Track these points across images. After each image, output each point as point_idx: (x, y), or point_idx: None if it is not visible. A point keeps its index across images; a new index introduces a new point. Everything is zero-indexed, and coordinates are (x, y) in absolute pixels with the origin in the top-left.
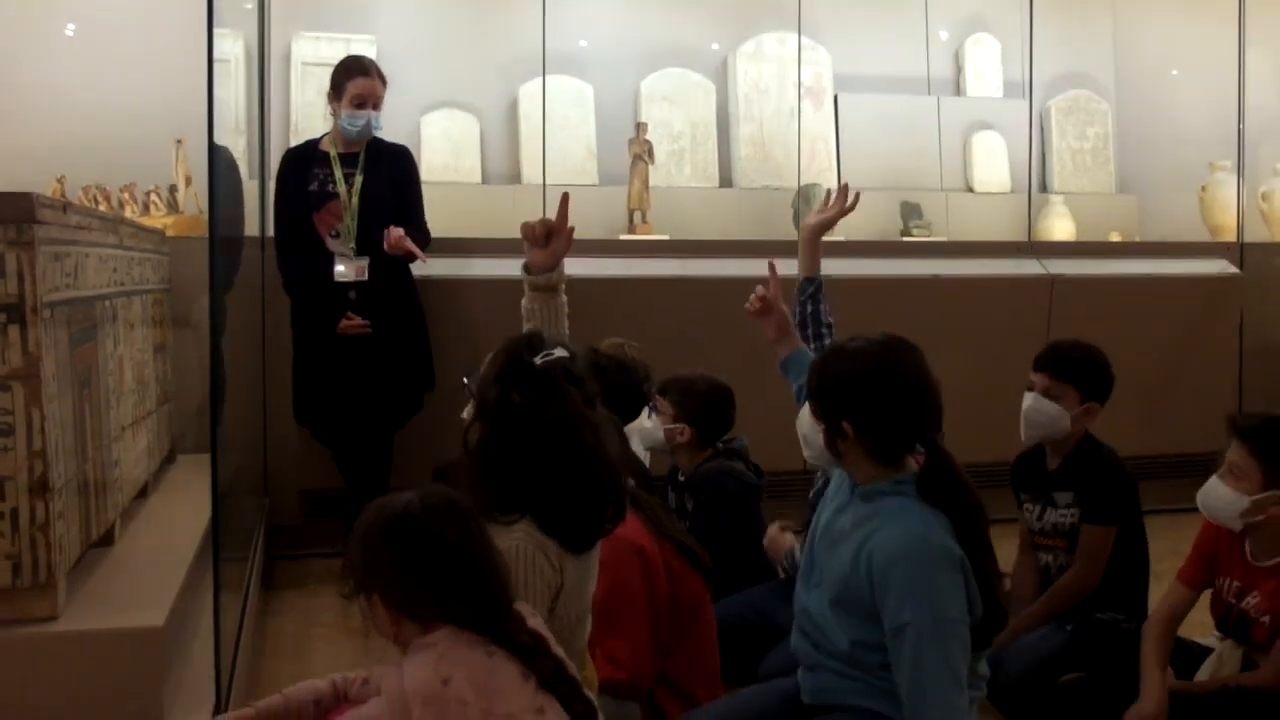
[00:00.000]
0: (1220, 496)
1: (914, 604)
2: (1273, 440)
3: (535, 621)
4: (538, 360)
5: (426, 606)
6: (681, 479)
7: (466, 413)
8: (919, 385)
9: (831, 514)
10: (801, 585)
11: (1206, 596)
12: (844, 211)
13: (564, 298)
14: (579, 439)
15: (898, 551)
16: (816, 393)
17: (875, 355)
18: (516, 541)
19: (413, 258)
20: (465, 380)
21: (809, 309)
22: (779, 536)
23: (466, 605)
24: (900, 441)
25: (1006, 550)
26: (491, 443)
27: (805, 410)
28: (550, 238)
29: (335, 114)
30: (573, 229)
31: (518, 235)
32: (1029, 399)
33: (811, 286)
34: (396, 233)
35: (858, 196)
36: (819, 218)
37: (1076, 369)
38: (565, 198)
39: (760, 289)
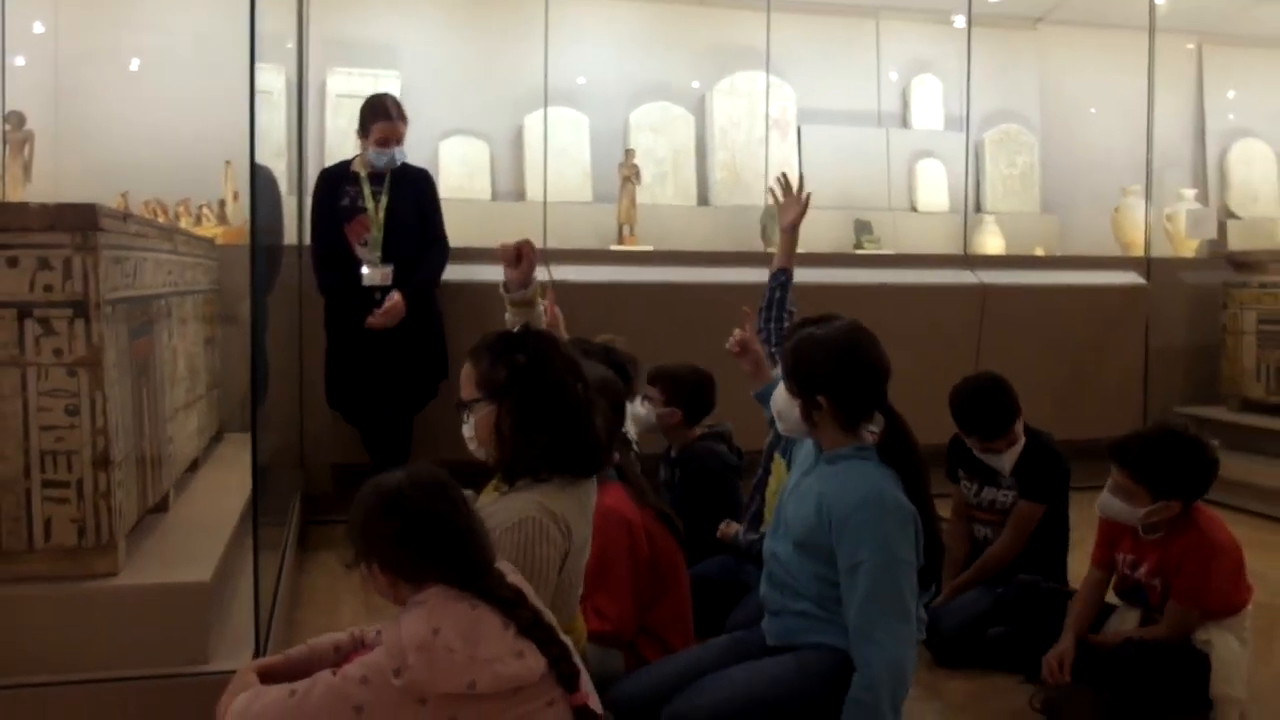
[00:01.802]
0: (1116, 509)
1: (869, 546)
2: (1148, 465)
3: (515, 578)
4: (516, 329)
5: (419, 569)
6: (672, 455)
7: (467, 430)
8: (879, 363)
9: (799, 476)
10: (770, 538)
11: None
12: (798, 199)
13: (540, 308)
14: (582, 375)
15: (857, 502)
16: (793, 373)
17: (844, 340)
18: (532, 514)
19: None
20: (459, 406)
21: (777, 295)
22: (726, 531)
23: (453, 568)
24: (864, 409)
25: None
26: (523, 408)
27: (780, 390)
28: (520, 259)
29: (364, 147)
30: (534, 252)
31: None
32: (996, 458)
33: (784, 276)
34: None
35: (798, 182)
36: (790, 217)
37: (986, 424)
38: (527, 241)
39: (738, 332)
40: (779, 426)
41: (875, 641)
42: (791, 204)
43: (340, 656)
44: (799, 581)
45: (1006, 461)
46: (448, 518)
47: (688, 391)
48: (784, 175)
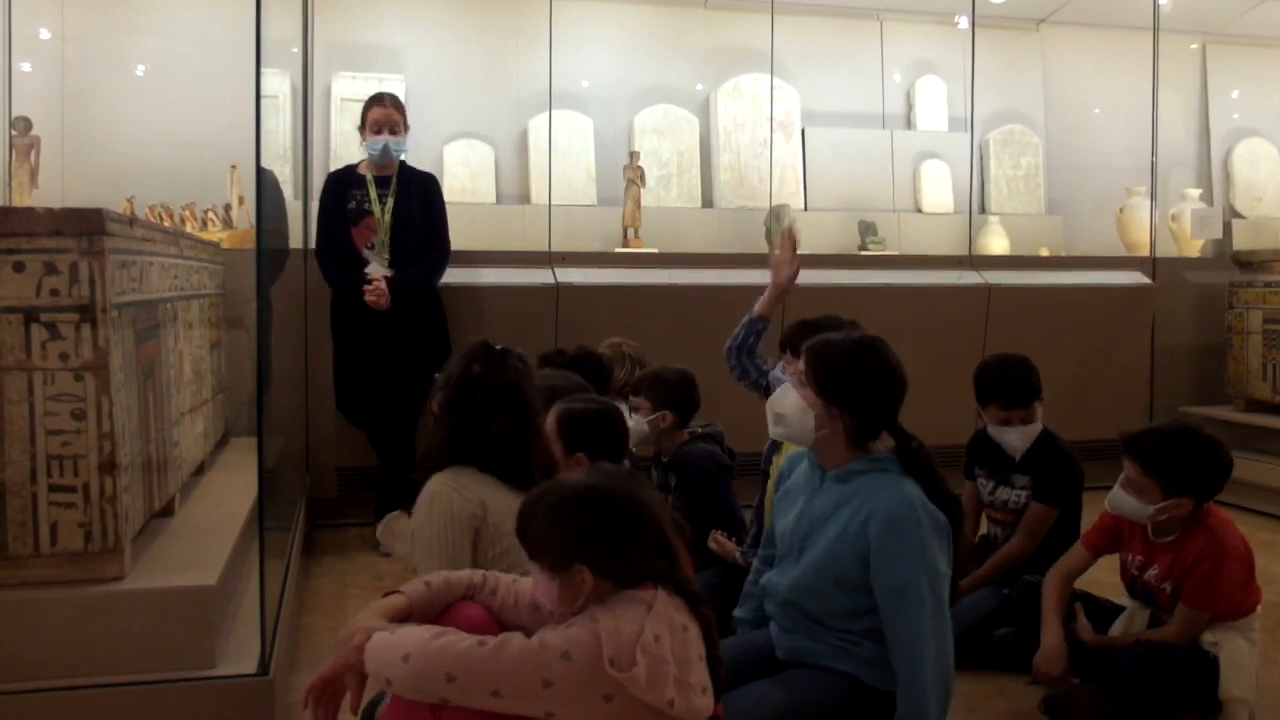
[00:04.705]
0: (1127, 504)
1: (912, 563)
2: (1163, 460)
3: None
4: (498, 346)
5: (633, 567)
6: (664, 460)
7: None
8: (901, 381)
9: (806, 502)
10: (780, 572)
11: (1113, 562)
12: (795, 260)
13: None
14: (524, 402)
15: (892, 516)
16: (816, 377)
17: (871, 359)
18: (437, 487)
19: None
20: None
21: (751, 341)
22: (724, 545)
23: (667, 563)
24: (880, 428)
25: None
26: (452, 401)
27: (783, 391)
28: None
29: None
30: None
31: (526, 249)
32: (1009, 432)
33: (762, 324)
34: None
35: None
36: (783, 277)
37: (1009, 389)
38: None
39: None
40: (774, 431)
41: (924, 663)
42: (787, 263)
43: (470, 593)
44: (816, 614)
45: (1019, 441)
46: (651, 507)
47: (675, 392)
48: (790, 230)
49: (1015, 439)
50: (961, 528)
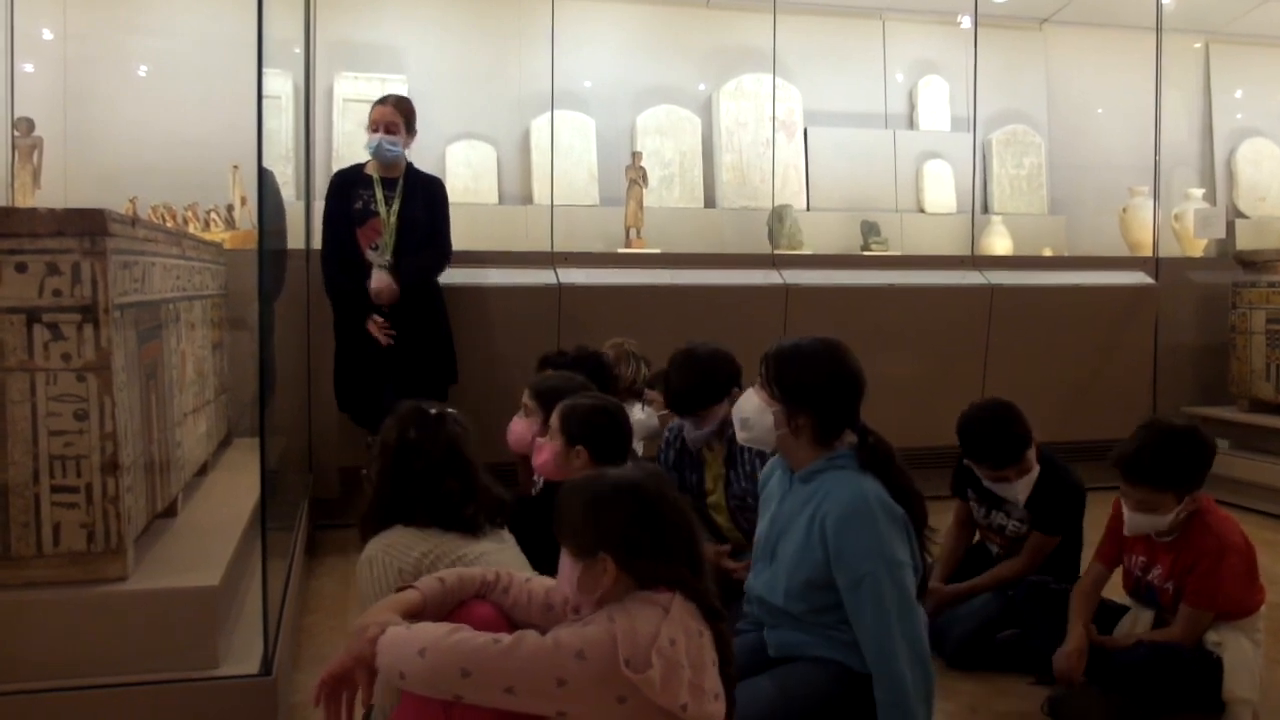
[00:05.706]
0: (1146, 523)
1: (868, 555)
2: (1168, 472)
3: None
4: (433, 411)
5: (657, 566)
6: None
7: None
8: (860, 379)
9: (777, 505)
10: (754, 575)
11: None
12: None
13: None
14: (466, 463)
15: (846, 511)
16: (778, 381)
17: (829, 360)
18: (371, 552)
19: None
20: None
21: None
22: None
23: (691, 568)
24: (842, 427)
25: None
26: (390, 470)
27: (748, 396)
28: None
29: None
30: None
31: (529, 249)
32: (1009, 488)
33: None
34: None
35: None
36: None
37: (996, 453)
38: None
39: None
40: (741, 436)
41: (895, 654)
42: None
43: (483, 591)
44: (786, 613)
45: (1020, 491)
46: (686, 514)
47: None
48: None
49: (1018, 491)
50: (925, 520)
